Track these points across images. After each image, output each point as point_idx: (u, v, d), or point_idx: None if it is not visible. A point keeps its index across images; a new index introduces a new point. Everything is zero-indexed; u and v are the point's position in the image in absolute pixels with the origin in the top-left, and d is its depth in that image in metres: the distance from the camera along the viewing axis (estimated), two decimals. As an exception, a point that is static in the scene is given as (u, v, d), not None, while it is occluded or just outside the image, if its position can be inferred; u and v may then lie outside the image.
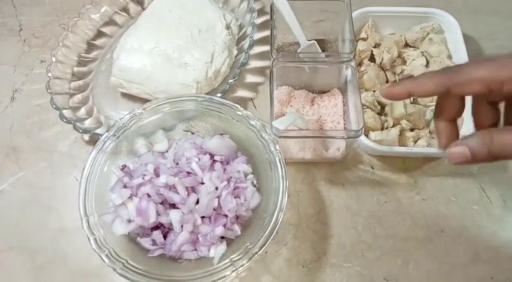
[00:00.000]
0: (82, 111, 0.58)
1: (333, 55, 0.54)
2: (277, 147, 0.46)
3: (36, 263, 0.50)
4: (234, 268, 0.41)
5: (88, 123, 0.56)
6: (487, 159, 0.31)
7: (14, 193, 0.55)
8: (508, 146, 0.30)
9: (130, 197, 0.44)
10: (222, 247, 0.44)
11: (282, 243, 0.50)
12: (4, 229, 0.52)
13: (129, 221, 0.43)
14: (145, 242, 0.44)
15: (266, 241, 0.42)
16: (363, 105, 0.54)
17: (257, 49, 0.63)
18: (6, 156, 0.57)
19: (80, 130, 0.53)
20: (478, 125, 0.35)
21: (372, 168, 0.55)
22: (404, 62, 0.59)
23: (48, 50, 0.64)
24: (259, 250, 0.42)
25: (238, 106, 0.49)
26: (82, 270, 0.50)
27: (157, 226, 0.44)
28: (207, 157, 0.47)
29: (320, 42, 0.60)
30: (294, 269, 0.49)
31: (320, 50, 0.59)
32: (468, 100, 0.35)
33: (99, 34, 0.65)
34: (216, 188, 0.45)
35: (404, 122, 0.53)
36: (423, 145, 0.52)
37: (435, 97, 0.56)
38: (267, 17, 0.67)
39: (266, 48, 0.64)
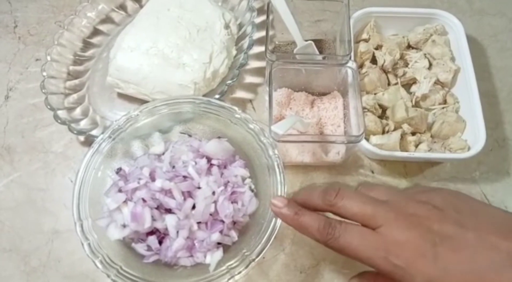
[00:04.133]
0: (77, 112, 0.57)
1: (329, 57, 0.53)
2: (276, 152, 0.45)
3: (30, 266, 0.49)
4: (230, 276, 0.40)
5: (83, 124, 0.55)
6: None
7: (8, 194, 0.54)
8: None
9: (125, 202, 0.43)
10: (219, 253, 0.43)
11: (280, 248, 0.49)
12: (-3, 231, 0.52)
13: (124, 226, 0.42)
14: (140, 248, 0.43)
15: (263, 248, 0.41)
16: (363, 108, 0.53)
17: (257, 49, 0.62)
18: (0, 156, 0.56)
19: (75, 132, 0.52)
20: None
21: (372, 172, 0.54)
22: (406, 64, 0.58)
23: (44, 48, 0.63)
24: (257, 257, 0.41)
25: (236, 109, 0.48)
26: (76, 274, 0.49)
27: (153, 231, 0.44)
28: (204, 160, 0.46)
29: (318, 42, 0.59)
30: (292, 275, 0.48)
31: (317, 51, 0.58)
32: None
33: (96, 32, 0.64)
34: (213, 193, 0.44)
35: (405, 126, 0.52)
36: (425, 150, 0.51)
37: (438, 101, 0.55)
38: (267, 16, 0.65)
39: (265, 48, 0.63)
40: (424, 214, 0.35)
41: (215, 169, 0.46)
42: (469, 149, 0.50)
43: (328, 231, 0.36)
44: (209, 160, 0.46)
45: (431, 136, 0.53)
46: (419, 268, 0.32)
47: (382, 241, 0.34)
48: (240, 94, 0.60)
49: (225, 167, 0.47)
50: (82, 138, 0.57)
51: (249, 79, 0.62)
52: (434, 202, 0.36)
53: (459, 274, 0.31)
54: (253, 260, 0.41)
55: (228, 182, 0.46)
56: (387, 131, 0.53)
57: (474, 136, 0.50)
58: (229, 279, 0.40)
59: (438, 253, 0.32)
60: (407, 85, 0.58)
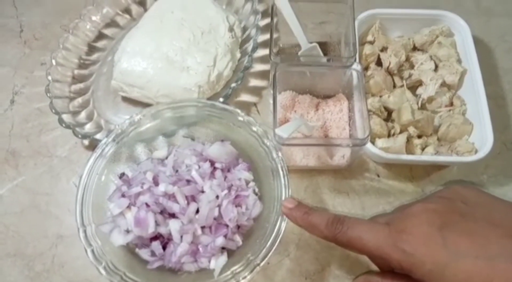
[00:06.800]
0: (82, 115, 0.57)
1: (334, 59, 0.53)
2: (280, 154, 0.45)
3: (34, 271, 0.49)
4: (235, 281, 0.40)
5: (88, 127, 0.55)
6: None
7: (13, 199, 0.54)
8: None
9: (129, 207, 0.43)
10: (223, 258, 0.43)
11: (284, 254, 0.49)
12: (1, 236, 0.51)
13: (128, 231, 0.42)
14: (144, 253, 0.43)
15: (268, 252, 0.41)
16: (369, 111, 0.52)
17: (261, 52, 0.62)
18: (5, 160, 0.56)
19: (80, 136, 0.52)
20: None
21: (378, 176, 0.53)
22: (412, 66, 0.58)
23: (49, 52, 0.62)
24: (261, 261, 0.40)
25: (240, 111, 0.47)
26: (80, 279, 0.49)
27: (156, 237, 0.43)
28: (208, 164, 0.45)
29: (323, 44, 0.58)
30: (297, 281, 0.48)
31: (321, 53, 0.57)
32: None
33: (100, 36, 0.64)
34: (217, 197, 0.43)
35: (411, 129, 0.52)
36: (431, 153, 0.51)
37: (444, 103, 0.54)
38: (271, 18, 0.65)
39: (270, 50, 0.63)
40: (431, 204, 0.35)
41: (218, 173, 0.46)
42: (476, 151, 0.49)
43: (337, 225, 0.37)
44: (212, 163, 0.46)
45: (438, 139, 0.53)
46: (428, 253, 0.32)
47: (390, 230, 0.34)
48: (245, 97, 0.60)
49: (228, 170, 0.47)
50: (86, 142, 0.57)
51: (254, 82, 0.61)
52: (441, 193, 0.36)
53: (471, 260, 0.30)
54: (258, 264, 0.40)
55: (232, 185, 0.45)
56: (393, 135, 0.53)
57: (482, 139, 0.50)
58: (234, 284, 0.40)
59: (446, 237, 0.32)
60: (413, 88, 0.57)
